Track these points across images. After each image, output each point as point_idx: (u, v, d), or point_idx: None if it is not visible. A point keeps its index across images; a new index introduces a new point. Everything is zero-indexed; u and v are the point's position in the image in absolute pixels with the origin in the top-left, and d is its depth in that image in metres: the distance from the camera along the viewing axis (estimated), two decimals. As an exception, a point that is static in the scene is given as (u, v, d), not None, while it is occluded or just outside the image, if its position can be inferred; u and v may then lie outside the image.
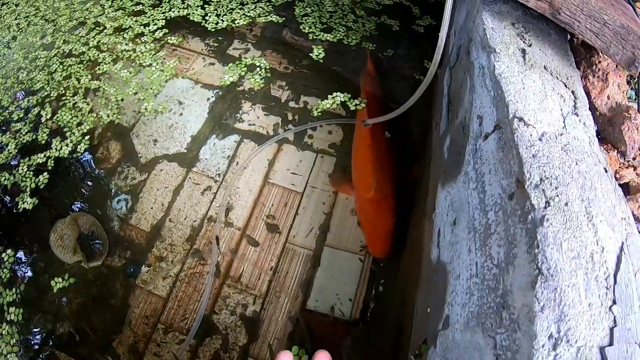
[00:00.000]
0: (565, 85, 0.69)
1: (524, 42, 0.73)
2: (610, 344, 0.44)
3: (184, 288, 1.03)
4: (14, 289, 1.05)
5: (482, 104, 0.67)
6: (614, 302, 0.47)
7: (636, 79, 0.82)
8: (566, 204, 0.50)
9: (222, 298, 1.01)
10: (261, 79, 1.37)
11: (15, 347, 0.97)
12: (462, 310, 0.57)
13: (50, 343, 0.98)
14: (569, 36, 0.81)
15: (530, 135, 0.55)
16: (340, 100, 1.30)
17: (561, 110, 0.64)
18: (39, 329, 1.00)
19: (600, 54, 0.82)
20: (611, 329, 0.45)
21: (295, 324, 0.98)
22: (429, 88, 1.16)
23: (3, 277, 1.07)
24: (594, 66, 0.82)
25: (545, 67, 0.69)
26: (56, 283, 1.05)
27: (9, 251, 1.10)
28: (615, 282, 0.49)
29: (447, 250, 0.69)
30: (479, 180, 0.62)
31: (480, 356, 0.49)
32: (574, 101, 0.68)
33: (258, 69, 1.40)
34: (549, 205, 0.49)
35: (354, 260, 1.05)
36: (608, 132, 0.79)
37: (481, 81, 0.69)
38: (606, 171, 0.61)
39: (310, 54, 1.43)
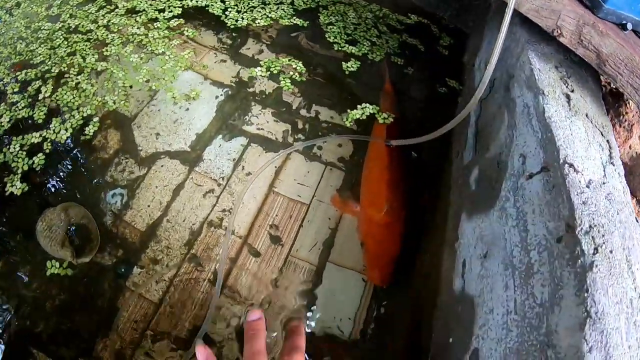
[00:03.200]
0: (602, 134, 0.70)
1: (567, 86, 0.73)
2: (646, 382, 0.45)
3: (178, 294, 0.98)
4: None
5: (527, 144, 0.66)
6: (649, 345, 0.48)
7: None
8: (611, 252, 0.51)
9: (217, 308, 0.96)
10: (291, 83, 1.34)
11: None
12: (498, 345, 0.56)
13: (30, 341, 0.91)
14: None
15: (579, 181, 0.55)
16: (370, 112, 1.28)
17: (601, 159, 0.64)
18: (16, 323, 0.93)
19: (627, 105, 0.83)
20: (647, 369, 0.46)
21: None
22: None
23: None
24: (621, 116, 0.83)
25: (586, 115, 0.70)
26: (52, 266, 0.98)
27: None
28: (650, 326, 0.50)
29: (475, 283, 0.67)
30: (520, 219, 0.61)
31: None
32: (610, 150, 0.68)
33: (293, 71, 1.36)
34: (597, 252, 0.49)
35: (356, 279, 1.02)
36: (629, 180, 0.80)
37: (526, 120, 0.68)
38: (637, 221, 0.62)
39: (327, 64, 1.40)
